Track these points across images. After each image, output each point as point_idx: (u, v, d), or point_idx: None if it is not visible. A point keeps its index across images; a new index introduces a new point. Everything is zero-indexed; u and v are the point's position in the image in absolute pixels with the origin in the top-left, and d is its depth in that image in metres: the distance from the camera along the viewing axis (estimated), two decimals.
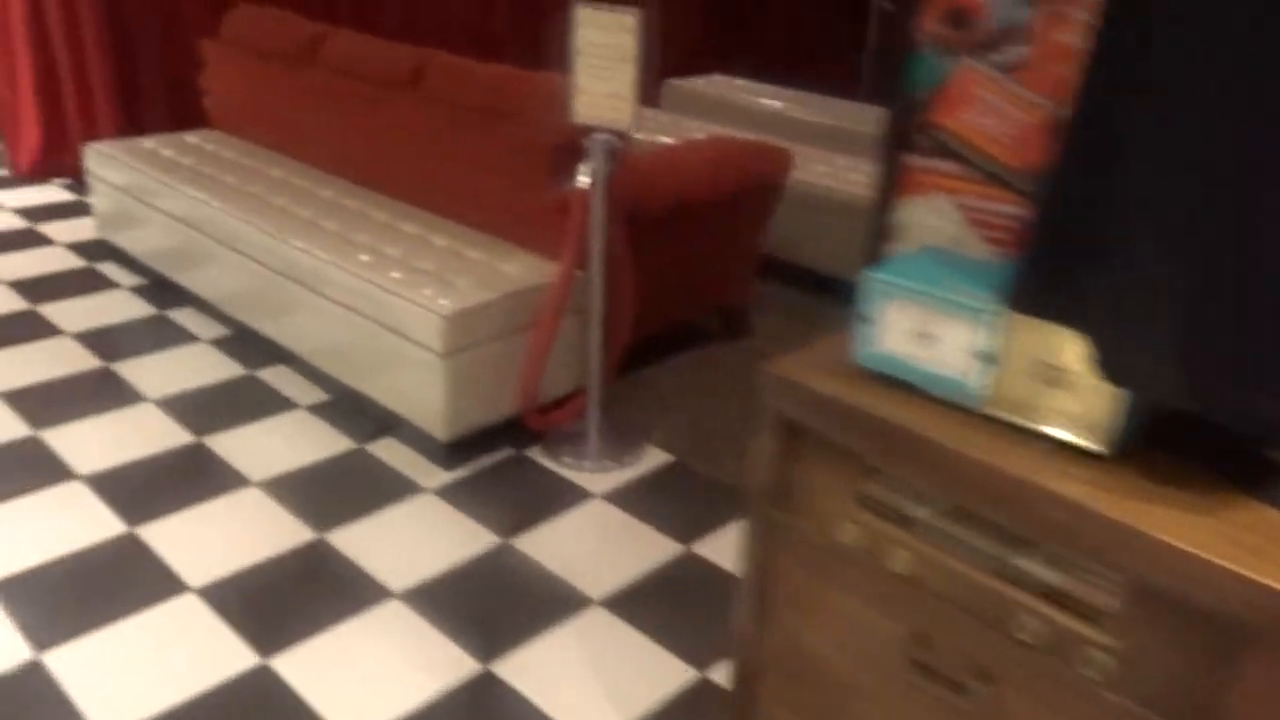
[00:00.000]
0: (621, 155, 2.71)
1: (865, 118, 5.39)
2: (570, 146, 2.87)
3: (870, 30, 7.18)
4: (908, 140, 1.45)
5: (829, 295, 4.22)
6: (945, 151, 1.42)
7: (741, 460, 3.00)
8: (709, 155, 3.33)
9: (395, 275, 2.83)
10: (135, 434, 2.91)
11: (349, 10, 5.92)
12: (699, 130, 5.00)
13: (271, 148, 3.89)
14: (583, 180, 2.67)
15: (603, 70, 2.58)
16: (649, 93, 3.64)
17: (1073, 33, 1.29)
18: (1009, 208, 1.39)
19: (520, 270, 2.92)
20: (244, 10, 4.02)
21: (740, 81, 6.24)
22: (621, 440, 3.03)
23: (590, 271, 2.81)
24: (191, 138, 4.05)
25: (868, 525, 1.30)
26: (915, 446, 1.22)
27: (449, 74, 3.21)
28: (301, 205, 3.35)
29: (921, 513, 1.25)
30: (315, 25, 3.71)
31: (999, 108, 1.36)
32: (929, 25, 1.38)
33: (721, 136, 3.60)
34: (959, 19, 1.36)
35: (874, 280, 1.30)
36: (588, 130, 2.68)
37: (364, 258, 2.94)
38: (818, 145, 4.84)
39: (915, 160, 1.45)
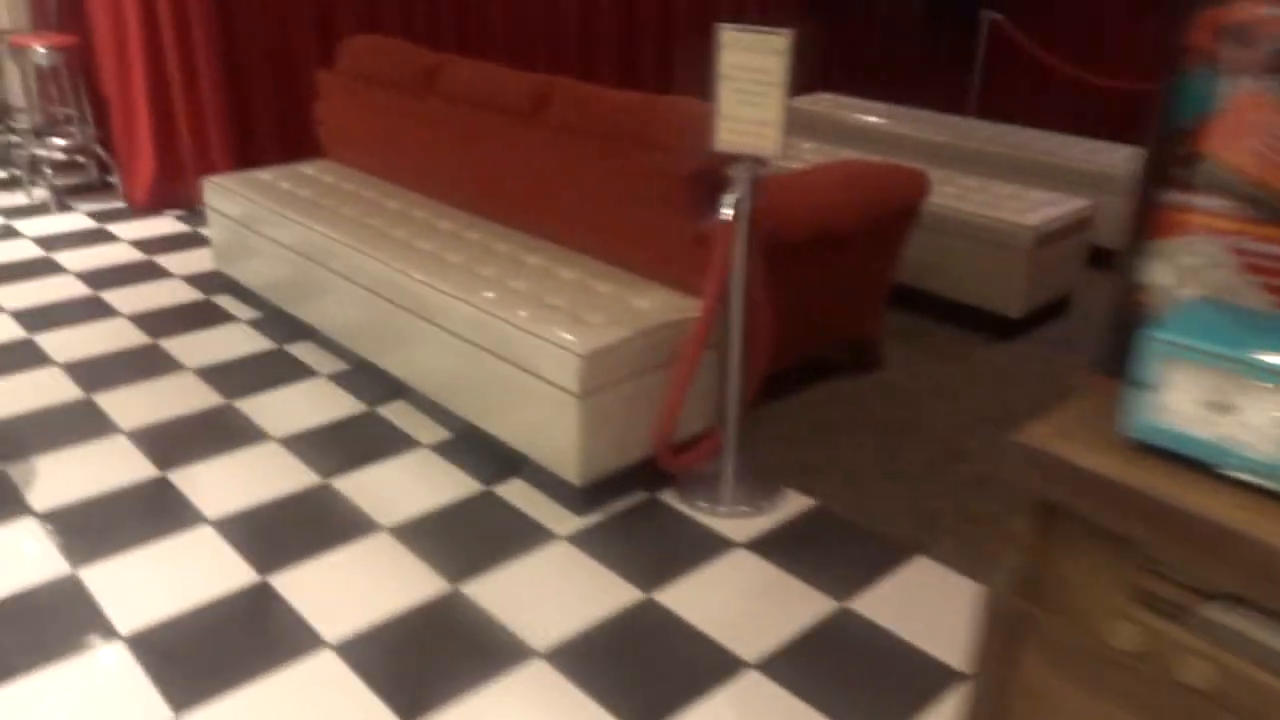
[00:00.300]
0: (764, 184, 2.56)
1: (982, 135, 5.16)
2: (706, 175, 2.73)
3: (980, 42, 6.92)
4: (1167, 174, 1.27)
5: (957, 323, 4.01)
6: (1216, 186, 1.24)
7: (889, 505, 2.81)
8: (843, 180, 3.16)
9: (523, 312, 2.72)
10: (261, 475, 2.85)
11: (454, 40, 5.90)
12: (814, 152, 4.83)
13: (389, 179, 3.84)
14: (727, 212, 2.53)
15: (748, 95, 2.44)
16: None
17: None
18: None
19: (654, 305, 2.78)
20: (359, 40, 3.99)
21: (848, 99, 6.05)
22: (757, 482, 2.87)
23: (729, 305, 2.66)
24: (307, 169, 4.03)
25: (1149, 627, 1.12)
26: (1213, 537, 1.04)
27: (576, 100, 3.10)
28: (422, 237, 3.27)
29: (1224, 616, 1.07)
30: (432, 54, 3.65)
31: None
32: (1202, 42, 1.20)
33: (852, 160, 3.43)
34: (1241, 35, 1.18)
35: (1156, 341, 1.12)
36: (728, 158, 2.54)
37: (489, 293, 2.84)
38: (935, 164, 4.62)
39: (1176, 197, 1.27)
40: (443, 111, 3.50)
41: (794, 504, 2.81)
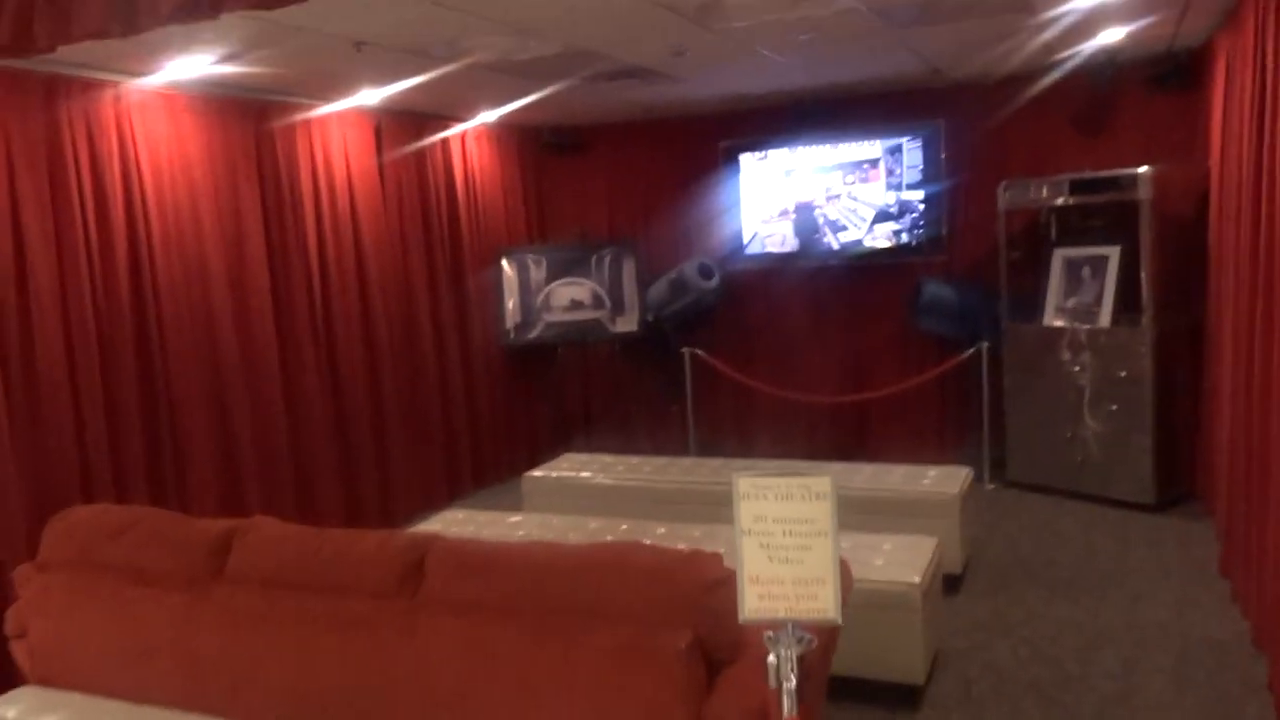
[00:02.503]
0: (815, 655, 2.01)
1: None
2: (713, 641, 2.14)
3: (686, 376, 7.10)
4: None
5: (852, 700, 3.57)
6: None
7: None
8: None
9: None
10: None
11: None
12: (607, 531, 4.24)
13: (159, 704, 2.69)
14: (788, 704, 1.93)
15: (783, 550, 1.94)
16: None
17: None
18: None
19: None
20: (79, 516, 2.92)
21: (600, 457, 5.75)
22: None
23: None
24: (8, 711, 2.76)
25: None
26: None
27: (468, 565, 2.38)
28: None
29: None
30: (214, 521, 2.74)
31: None
32: None
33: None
34: None
35: None
36: (760, 626, 1.98)
37: None
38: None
39: None
40: (248, 605, 2.55)
41: None
